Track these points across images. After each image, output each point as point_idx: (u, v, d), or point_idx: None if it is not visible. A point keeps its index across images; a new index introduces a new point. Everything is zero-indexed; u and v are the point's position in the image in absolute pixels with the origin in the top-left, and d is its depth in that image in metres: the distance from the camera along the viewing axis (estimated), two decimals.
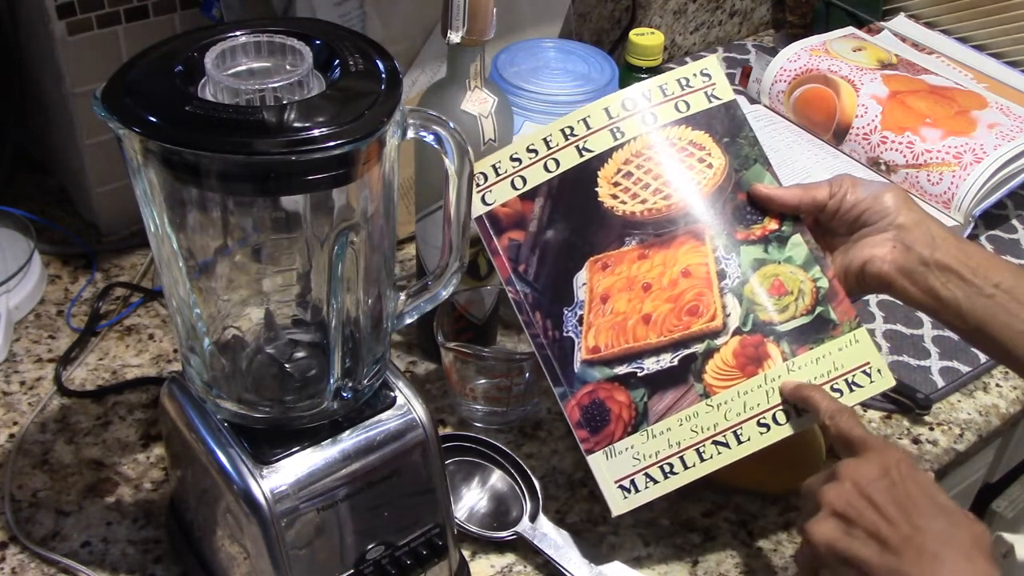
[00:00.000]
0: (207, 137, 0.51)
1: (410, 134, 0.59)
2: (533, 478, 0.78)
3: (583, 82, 0.92)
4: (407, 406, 0.65)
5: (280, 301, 0.67)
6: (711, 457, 0.72)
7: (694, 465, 0.72)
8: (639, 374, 0.74)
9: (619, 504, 0.73)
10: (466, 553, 0.74)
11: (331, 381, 0.62)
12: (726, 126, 0.78)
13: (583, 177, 0.77)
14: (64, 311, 0.92)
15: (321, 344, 0.66)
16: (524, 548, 0.75)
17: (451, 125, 0.59)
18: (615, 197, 0.77)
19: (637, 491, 0.72)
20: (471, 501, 0.78)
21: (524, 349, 0.89)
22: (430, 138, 0.60)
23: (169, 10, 0.92)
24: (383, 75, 0.56)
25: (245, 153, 0.51)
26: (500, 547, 0.76)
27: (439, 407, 0.86)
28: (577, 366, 0.74)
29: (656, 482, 0.72)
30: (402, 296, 0.67)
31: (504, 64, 0.92)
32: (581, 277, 0.76)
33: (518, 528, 0.75)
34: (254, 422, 0.63)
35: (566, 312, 0.76)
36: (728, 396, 0.72)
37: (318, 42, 0.58)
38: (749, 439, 0.72)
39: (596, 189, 0.77)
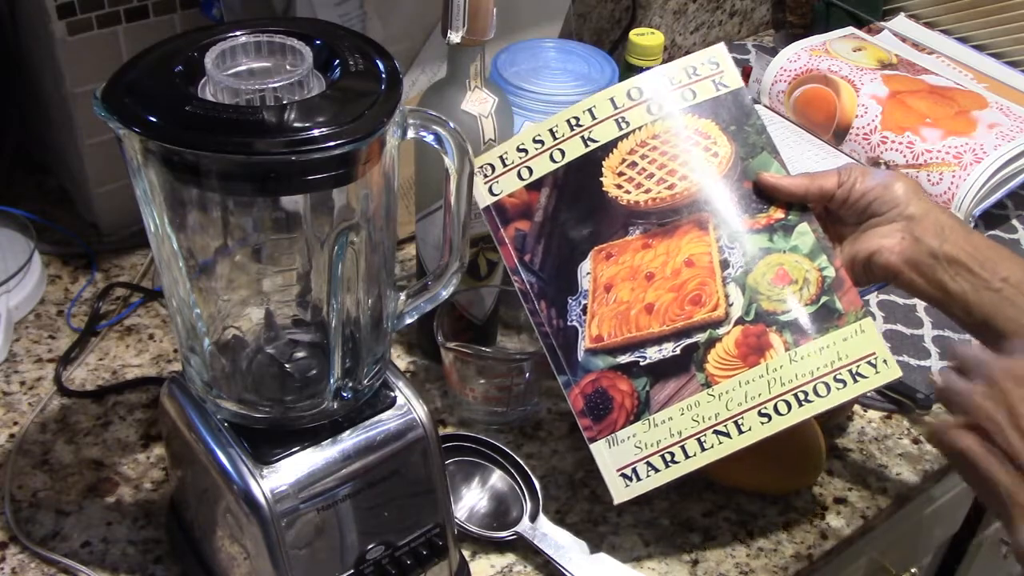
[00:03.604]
0: (207, 137, 0.51)
1: (410, 134, 0.59)
2: (533, 478, 0.78)
3: (583, 82, 0.92)
4: (407, 406, 0.65)
5: (280, 301, 0.67)
6: (712, 447, 0.72)
7: (695, 454, 0.72)
8: (642, 363, 0.74)
9: (621, 492, 0.73)
10: (466, 553, 0.74)
11: (331, 381, 0.62)
12: (733, 114, 0.78)
13: (588, 167, 0.77)
14: (64, 311, 0.92)
15: (321, 344, 0.66)
16: (524, 548, 0.75)
17: (451, 125, 0.59)
18: (620, 187, 0.77)
19: (639, 479, 0.72)
20: (471, 501, 0.78)
21: (524, 349, 0.89)
22: (430, 138, 0.60)
23: (169, 10, 0.92)
24: (383, 75, 0.56)
25: (245, 153, 0.51)
26: (500, 547, 0.75)
27: (439, 407, 0.86)
28: (581, 355, 0.74)
29: (658, 471, 0.72)
30: (402, 296, 0.67)
31: (504, 64, 0.92)
32: (585, 266, 0.76)
33: (518, 528, 0.75)
34: (254, 422, 0.63)
35: (570, 301, 0.75)
36: (730, 386, 0.72)
37: (318, 42, 0.58)
38: (750, 429, 0.71)
39: (601, 179, 0.77)
